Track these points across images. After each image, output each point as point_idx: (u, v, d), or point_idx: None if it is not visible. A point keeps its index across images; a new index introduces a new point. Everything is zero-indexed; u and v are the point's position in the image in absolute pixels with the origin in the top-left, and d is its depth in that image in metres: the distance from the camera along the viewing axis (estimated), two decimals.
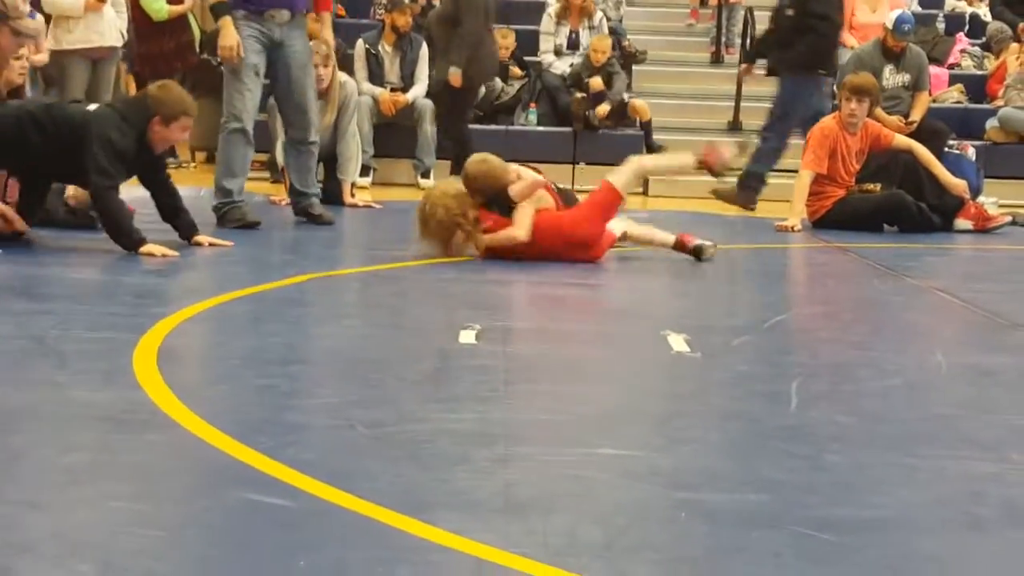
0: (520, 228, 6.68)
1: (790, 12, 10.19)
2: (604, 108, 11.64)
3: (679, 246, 7.08)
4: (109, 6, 10.66)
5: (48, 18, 10.41)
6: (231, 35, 7.50)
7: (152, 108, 6.51)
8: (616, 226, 6.99)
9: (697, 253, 7.01)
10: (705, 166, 7.17)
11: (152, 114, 6.50)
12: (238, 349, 4.50)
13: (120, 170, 6.48)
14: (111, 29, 10.75)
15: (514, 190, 6.70)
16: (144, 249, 6.39)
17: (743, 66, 11.58)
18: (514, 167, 6.89)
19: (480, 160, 6.89)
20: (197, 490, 2.92)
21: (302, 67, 7.84)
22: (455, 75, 10.42)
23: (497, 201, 6.75)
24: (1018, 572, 2.62)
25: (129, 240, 6.43)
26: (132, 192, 7.02)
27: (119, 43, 10.92)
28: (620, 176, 6.98)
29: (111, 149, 6.36)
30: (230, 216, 7.71)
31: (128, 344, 4.30)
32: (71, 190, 7.31)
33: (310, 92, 7.96)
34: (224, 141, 7.80)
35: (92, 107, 6.68)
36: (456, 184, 6.89)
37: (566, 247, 6.71)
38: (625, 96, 11.97)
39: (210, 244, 6.78)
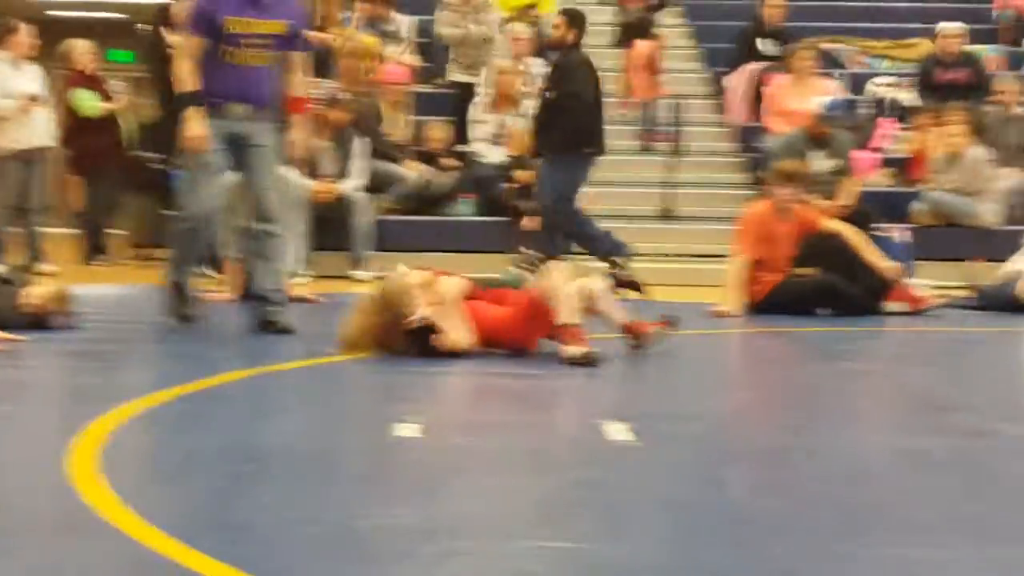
0: (457, 334, 6.58)
1: (549, 95, 10.46)
2: (527, 223, 11.53)
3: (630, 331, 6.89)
4: (41, 106, 10.68)
5: None
6: (198, 126, 7.43)
7: None
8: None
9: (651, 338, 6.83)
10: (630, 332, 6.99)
11: None
12: (177, 449, 4.47)
13: None
14: (43, 129, 10.75)
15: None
16: None
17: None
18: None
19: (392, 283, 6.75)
20: None
21: (266, 157, 7.71)
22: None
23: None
24: None
25: None
26: None
27: (51, 143, 10.91)
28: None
29: None
30: (172, 307, 7.70)
31: (64, 447, 4.25)
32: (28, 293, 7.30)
33: (272, 185, 7.83)
34: (177, 234, 7.77)
35: None
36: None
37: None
38: None
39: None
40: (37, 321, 7.21)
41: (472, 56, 13.23)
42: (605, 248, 10.72)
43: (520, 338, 6.71)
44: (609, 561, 3.18)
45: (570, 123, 10.41)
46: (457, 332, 6.56)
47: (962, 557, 3.32)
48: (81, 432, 4.47)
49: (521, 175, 11.87)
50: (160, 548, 3.16)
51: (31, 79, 10.88)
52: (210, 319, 7.95)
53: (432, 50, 13.76)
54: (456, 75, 13.26)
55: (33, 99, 10.64)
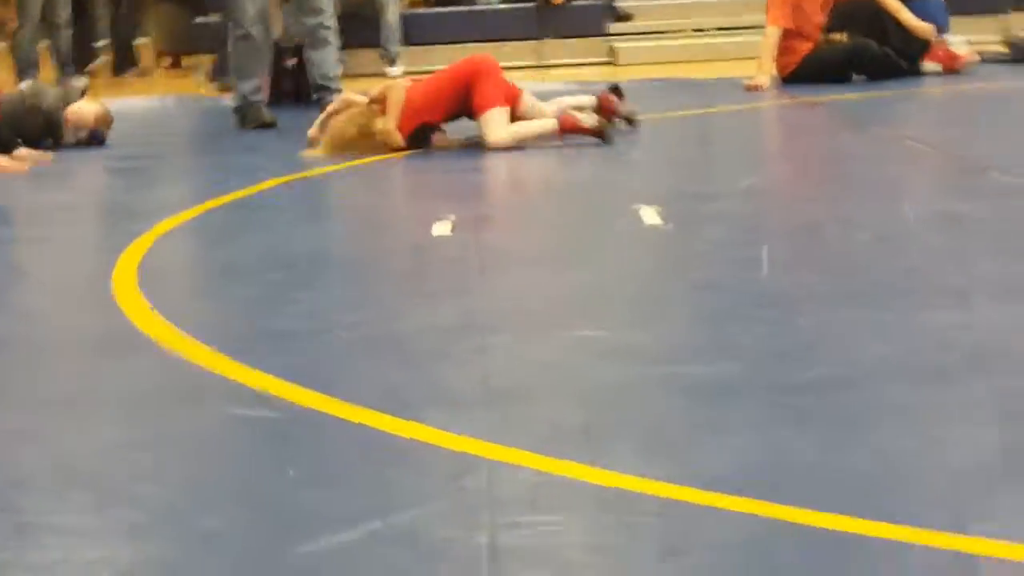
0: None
1: None
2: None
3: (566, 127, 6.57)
4: None
5: None
6: None
7: None
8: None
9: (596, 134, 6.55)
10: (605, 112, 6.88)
11: None
12: (215, 261, 4.55)
13: None
14: None
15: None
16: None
17: None
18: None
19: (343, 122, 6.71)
20: (183, 410, 2.96)
21: None
22: None
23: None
24: (981, 416, 2.70)
25: None
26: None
27: None
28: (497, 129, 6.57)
29: None
30: (250, 117, 7.81)
31: (107, 265, 4.33)
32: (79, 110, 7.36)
33: None
34: (233, 47, 7.91)
35: None
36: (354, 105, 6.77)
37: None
38: None
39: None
40: (87, 138, 7.28)
41: None
42: None
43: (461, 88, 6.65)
44: (638, 347, 3.25)
45: None
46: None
47: (987, 316, 3.38)
48: (123, 250, 4.54)
49: None
50: (203, 361, 3.25)
51: None
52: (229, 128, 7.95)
53: None
54: None
55: None
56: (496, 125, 6.51)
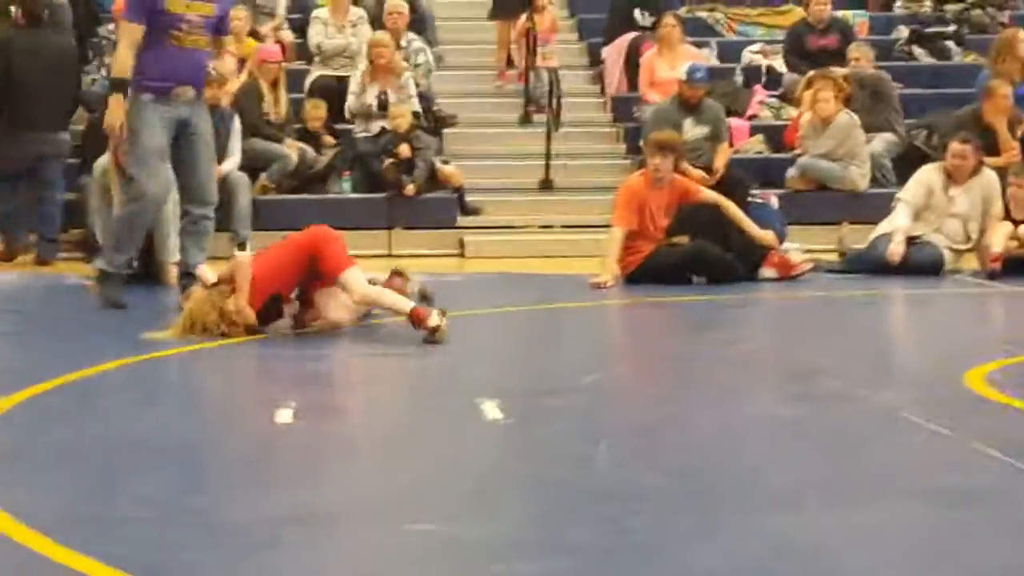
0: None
1: None
2: (410, 188, 11.67)
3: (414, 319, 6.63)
4: None
5: None
6: (116, 113, 7.47)
7: None
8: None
9: (433, 334, 6.55)
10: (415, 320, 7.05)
11: None
12: (53, 442, 4.48)
13: None
14: None
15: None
16: None
17: None
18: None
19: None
20: None
21: (208, 143, 7.84)
22: None
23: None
24: None
25: None
26: None
27: None
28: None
29: None
30: (111, 296, 7.70)
31: None
32: None
33: (213, 166, 8.02)
34: (127, 215, 7.76)
35: None
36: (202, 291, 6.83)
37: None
38: (436, 161, 12.11)
39: None
40: None
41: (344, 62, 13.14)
42: None
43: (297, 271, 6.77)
44: (472, 541, 3.28)
45: None
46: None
47: (815, 521, 3.48)
48: None
49: (401, 150, 11.90)
50: (31, 544, 3.19)
51: None
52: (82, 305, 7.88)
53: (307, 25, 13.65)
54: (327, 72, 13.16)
55: None
56: (359, 283, 6.62)
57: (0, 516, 3.40)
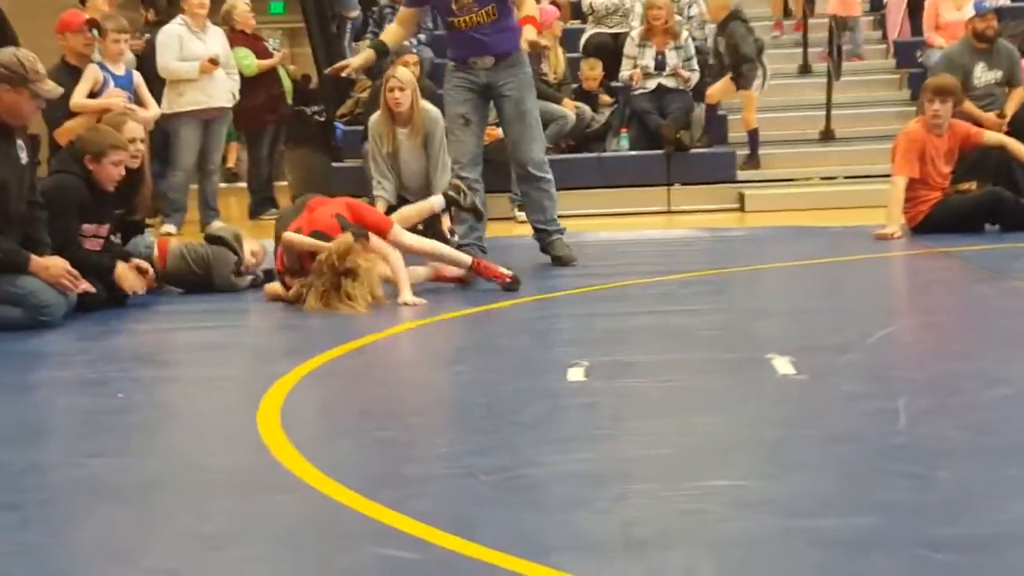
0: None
1: None
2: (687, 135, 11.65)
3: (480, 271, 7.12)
4: (220, 68, 10.99)
5: (155, 82, 10.77)
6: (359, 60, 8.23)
7: (80, 150, 6.90)
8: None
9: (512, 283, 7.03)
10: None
11: (81, 156, 6.87)
12: (353, 404, 4.64)
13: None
14: (221, 91, 11.07)
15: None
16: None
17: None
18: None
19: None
20: (330, 549, 3.03)
21: (514, 104, 8.09)
22: None
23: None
24: None
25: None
26: None
27: (229, 104, 11.22)
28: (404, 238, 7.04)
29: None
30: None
31: (251, 406, 4.45)
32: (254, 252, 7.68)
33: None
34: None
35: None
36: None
37: None
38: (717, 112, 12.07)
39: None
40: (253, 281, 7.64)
41: (619, 20, 13.14)
42: None
43: None
44: (776, 498, 3.25)
45: None
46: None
47: None
48: (265, 392, 4.67)
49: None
50: (346, 501, 3.32)
51: (212, 42, 11.17)
52: None
53: None
54: (603, 29, 13.18)
55: (213, 62, 10.94)
56: (410, 237, 7.11)
57: (321, 478, 3.54)
